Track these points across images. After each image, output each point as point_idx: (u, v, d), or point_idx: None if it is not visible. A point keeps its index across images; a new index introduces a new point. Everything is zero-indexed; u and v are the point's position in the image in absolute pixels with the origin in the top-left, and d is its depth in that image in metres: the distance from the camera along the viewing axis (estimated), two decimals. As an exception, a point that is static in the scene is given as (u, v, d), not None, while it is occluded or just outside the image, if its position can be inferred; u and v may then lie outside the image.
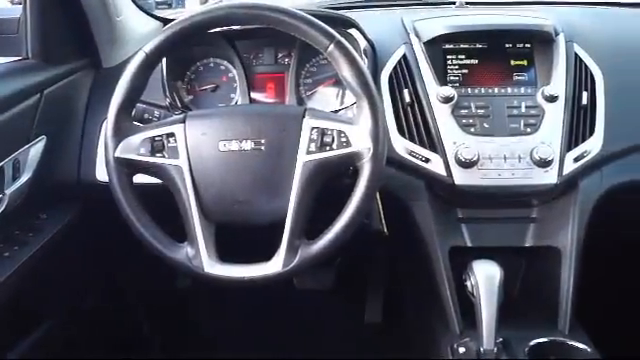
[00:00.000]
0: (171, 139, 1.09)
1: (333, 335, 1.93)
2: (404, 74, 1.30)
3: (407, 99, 1.28)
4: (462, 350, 1.16)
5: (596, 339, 1.21)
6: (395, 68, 1.31)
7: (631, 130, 1.30)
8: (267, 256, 1.09)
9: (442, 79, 1.30)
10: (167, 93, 1.35)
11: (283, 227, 1.07)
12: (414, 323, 1.60)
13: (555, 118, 1.25)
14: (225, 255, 1.12)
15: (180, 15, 1.14)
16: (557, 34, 1.33)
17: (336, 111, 1.33)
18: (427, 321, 1.36)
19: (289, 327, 1.94)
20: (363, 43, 1.33)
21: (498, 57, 1.33)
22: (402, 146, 1.26)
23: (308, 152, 1.07)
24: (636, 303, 1.79)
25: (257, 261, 1.09)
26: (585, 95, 1.28)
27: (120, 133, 1.10)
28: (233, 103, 1.41)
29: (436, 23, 1.37)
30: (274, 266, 1.08)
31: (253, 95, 1.41)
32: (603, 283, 1.62)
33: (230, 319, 1.99)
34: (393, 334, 1.83)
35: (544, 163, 1.22)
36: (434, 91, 1.28)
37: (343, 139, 1.06)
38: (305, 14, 1.07)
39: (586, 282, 1.27)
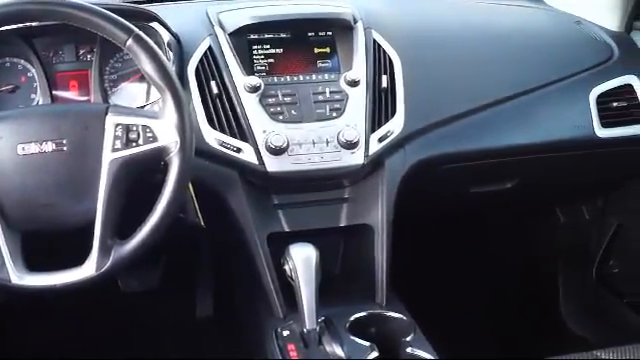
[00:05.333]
0: None
1: (165, 334, 1.90)
2: (210, 66, 1.30)
3: (215, 90, 1.28)
4: (286, 333, 1.18)
5: (412, 308, 1.28)
6: (201, 60, 1.31)
7: (429, 109, 1.39)
8: (82, 261, 1.05)
9: (248, 69, 1.32)
10: (-41, 97, 1.26)
11: (94, 229, 1.04)
12: (243, 312, 1.61)
13: (358, 102, 1.31)
14: (37, 264, 1.07)
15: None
16: (356, 22, 1.39)
17: (143, 106, 1.30)
18: (254, 309, 1.37)
19: (119, 331, 1.88)
20: (167, 36, 1.31)
21: (302, 45, 1.37)
22: (213, 137, 1.26)
23: (114, 150, 1.05)
24: (445, 269, 1.93)
25: (72, 267, 1.06)
26: (385, 78, 1.34)
27: None
28: (34, 104, 1.34)
29: (240, 14, 1.38)
30: (87, 270, 1.05)
31: (56, 94, 1.34)
32: (417, 254, 1.74)
33: (56, 331, 1.89)
34: (224, 325, 1.83)
35: (350, 145, 1.27)
36: (241, 81, 1.28)
37: (149, 134, 1.05)
38: (101, 9, 1.05)
39: (401, 254, 1.34)
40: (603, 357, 1.02)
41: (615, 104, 1.49)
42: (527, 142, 1.44)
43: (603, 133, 1.47)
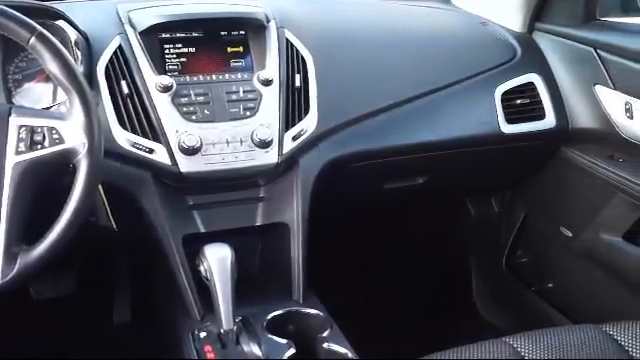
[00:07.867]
0: None
1: (81, 342, 1.85)
2: (121, 65, 1.27)
3: (125, 90, 1.25)
4: (203, 334, 1.18)
5: (329, 304, 1.30)
6: (111, 59, 1.28)
7: (341, 108, 1.40)
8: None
9: (160, 68, 1.30)
10: None
11: None
12: (161, 316, 1.59)
13: (271, 101, 1.31)
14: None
15: None
16: (269, 21, 1.39)
17: (49, 107, 1.26)
18: (171, 311, 1.36)
19: (32, 341, 1.81)
20: (74, 35, 1.27)
21: (215, 45, 1.36)
22: (124, 138, 1.23)
23: (17, 152, 1.01)
24: (361, 265, 1.97)
25: None
26: (298, 77, 1.35)
27: None
28: None
29: (151, 12, 1.36)
30: None
31: None
32: (333, 250, 1.76)
33: None
34: (143, 331, 1.80)
35: (264, 144, 1.27)
36: (152, 81, 1.26)
37: (55, 136, 1.02)
38: (1, 5, 1.00)
39: (317, 251, 1.35)
40: (511, 343, 1.06)
41: (519, 101, 1.55)
42: (436, 139, 1.48)
43: (508, 129, 1.53)
